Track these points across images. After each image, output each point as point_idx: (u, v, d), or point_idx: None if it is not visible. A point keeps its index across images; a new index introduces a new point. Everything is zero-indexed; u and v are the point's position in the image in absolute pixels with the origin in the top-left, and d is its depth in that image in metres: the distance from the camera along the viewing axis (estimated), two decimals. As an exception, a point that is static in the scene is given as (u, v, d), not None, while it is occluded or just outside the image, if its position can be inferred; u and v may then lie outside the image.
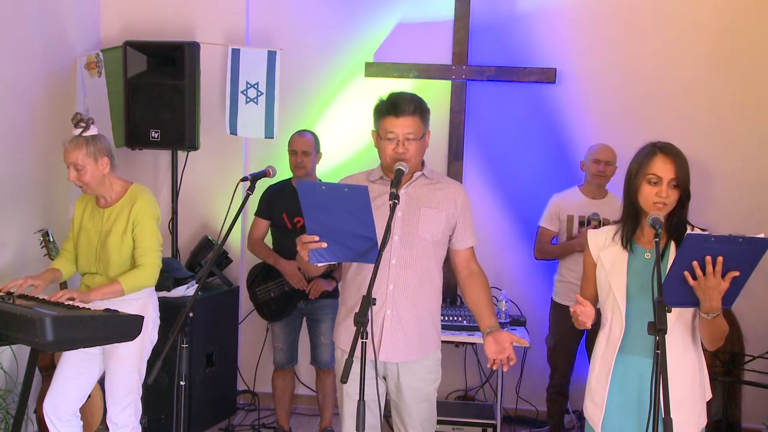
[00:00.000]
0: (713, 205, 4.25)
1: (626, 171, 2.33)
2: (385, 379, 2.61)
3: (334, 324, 3.97)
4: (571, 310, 2.26)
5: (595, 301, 2.42)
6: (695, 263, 2.00)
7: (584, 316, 2.24)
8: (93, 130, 3.03)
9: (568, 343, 3.99)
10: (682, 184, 2.23)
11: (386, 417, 2.98)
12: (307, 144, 3.91)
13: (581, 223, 3.94)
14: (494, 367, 2.46)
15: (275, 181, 3.93)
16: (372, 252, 2.27)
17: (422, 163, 2.65)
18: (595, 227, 3.80)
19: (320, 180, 4.03)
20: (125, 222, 3.05)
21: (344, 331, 2.63)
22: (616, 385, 2.30)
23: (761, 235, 1.93)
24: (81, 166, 2.98)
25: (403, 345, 2.53)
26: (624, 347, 2.29)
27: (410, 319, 2.54)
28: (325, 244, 2.28)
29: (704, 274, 2.00)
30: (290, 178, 4.00)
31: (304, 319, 4.04)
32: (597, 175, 3.96)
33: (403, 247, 2.53)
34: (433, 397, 2.65)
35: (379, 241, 2.24)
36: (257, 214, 4.03)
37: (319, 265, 2.39)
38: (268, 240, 4.08)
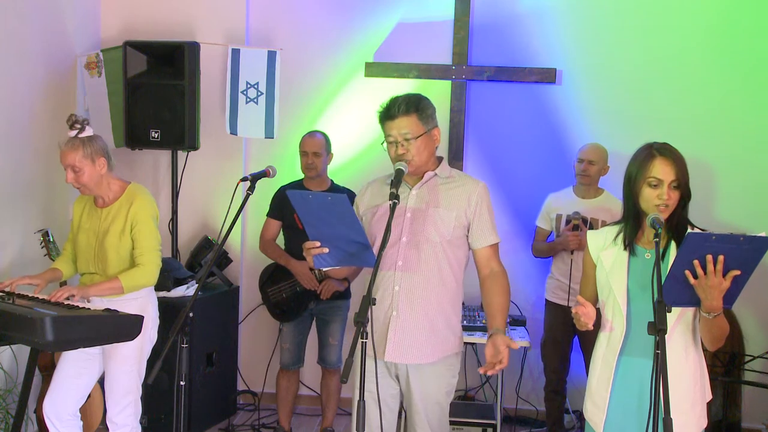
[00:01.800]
0: (716, 205, 4.25)
1: (624, 173, 2.34)
2: (398, 379, 2.61)
3: (345, 324, 4.00)
4: (573, 311, 2.25)
5: (594, 301, 2.42)
6: (696, 262, 2.00)
7: (586, 317, 2.24)
8: (88, 131, 3.02)
9: (557, 338, 4.03)
10: (683, 184, 2.24)
11: (400, 417, 2.98)
12: (317, 145, 3.91)
13: (567, 222, 3.96)
14: (481, 371, 2.45)
15: (287, 182, 3.94)
16: (368, 255, 2.31)
17: (439, 161, 2.65)
18: (575, 226, 3.83)
19: (332, 181, 4.03)
20: (123, 222, 3.05)
21: None
22: (617, 387, 2.30)
23: (762, 234, 1.93)
24: (78, 167, 2.98)
25: (410, 347, 2.52)
26: (625, 348, 2.29)
27: (417, 321, 2.52)
28: (326, 249, 2.33)
29: (705, 273, 2.00)
30: (302, 179, 4.00)
31: (314, 320, 4.04)
32: (580, 174, 3.98)
33: (410, 248, 2.52)
34: (444, 401, 2.62)
35: (379, 242, 2.25)
36: (269, 215, 4.03)
37: (324, 270, 2.43)
38: (280, 241, 4.07)
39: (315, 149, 3.90)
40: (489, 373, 2.44)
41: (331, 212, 2.24)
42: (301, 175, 4.01)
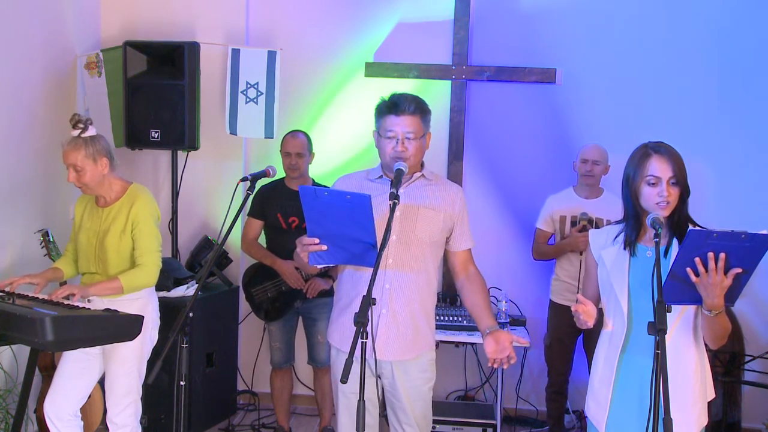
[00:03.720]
0: (716, 204, 4.26)
1: (623, 174, 2.34)
2: (380, 377, 2.62)
3: None
4: (573, 309, 2.26)
5: (597, 300, 2.43)
6: (698, 260, 2.00)
7: (585, 315, 2.24)
8: (91, 131, 3.02)
9: (564, 341, 4.02)
10: (681, 180, 2.25)
11: (383, 415, 2.98)
12: (300, 146, 3.90)
13: (573, 223, 3.96)
14: (495, 366, 2.46)
15: (268, 182, 3.94)
16: (370, 255, 2.30)
17: (422, 165, 2.66)
18: (584, 227, 3.83)
19: (314, 180, 4.03)
20: (124, 222, 3.05)
21: (337, 329, 2.65)
22: (619, 385, 2.31)
23: (764, 232, 1.93)
24: (80, 167, 2.98)
25: (398, 344, 2.55)
26: (626, 347, 2.29)
27: (405, 318, 2.55)
28: (325, 247, 2.31)
29: (707, 270, 2.00)
30: (283, 178, 4.00)
31: (300, 318, 4.04)
32: (585, 174, 3.98)
33: (401, 246, 2.54)
34: (427, 395, 2.65)
35: (379, 241, 2.25)
36: (250, 214, 4.02)
37: (319, 267, 2.41)
38: (261, 240, 4.07)
39: (298, 150, 3.89)
40: (505, 366, 2.45)
41: (345, 211, 2.22)
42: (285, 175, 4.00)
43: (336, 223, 2.25)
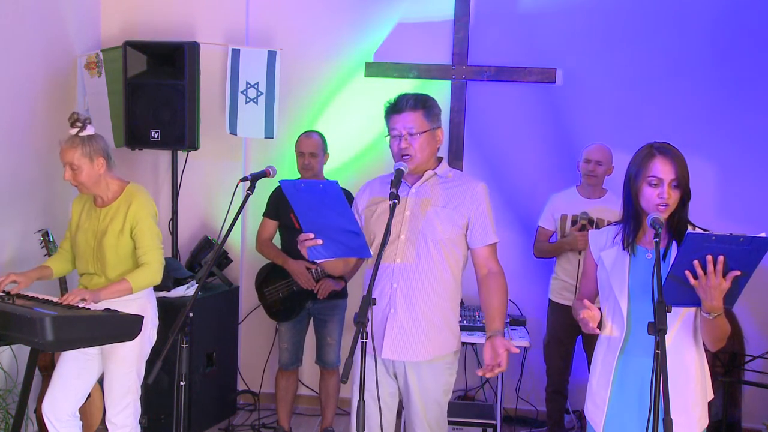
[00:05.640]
0: (716, 205, 4.25)
1: (625, 173, 2.34)
2: (396, 377, 2.62)
3: (343, 324, 4.00)
4: (581, 316, 2.24)
5: (592, 300, 2.42)
6: (696, 262, 1.99)
7: (594, 321, 2.22)
8: (89, 130, 3.01)
9: (562, 340, 4.02)
10: (683, 183, 2.24)
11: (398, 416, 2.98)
12: (314, 145, 3.91)
13: (573, 222, 3.96)
14: (479, 374, 2.44)
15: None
16: (361, 245, 2.31)
17: (440, 161, 2.67)
18: (583, 226, 3.83)
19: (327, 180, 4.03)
20: (122, 222, 3.04)
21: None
22: (617, 386, 2.30)
23: (762, 235, 1.93)
24: (77, 166, 2.97)
25: (408, 344, 2.53)
26: (625, 348, 2.29)
27: (415, 318, 2.53)
28: (320, 241, 2.32)
29: (705, 273, 2.00)
30: (298, 179, 4.00)
31: (311, 319, 4.05)
32: (587, 174, 3.97)
33: (409, 245, 2.53)
34: (442, 400, 2.62)
35: (379, 241, 2.25)
36: (265, 214, 4.03)
37: (318, 261, 2.42)
38: (276, 240, 4.07)
39: (311, 150, 3.90)
40: (488, 375, 2.43)
41: (323, 201, 2.23)
42: (299, 175, 4.01)
43: (321, 215, 2.27)
